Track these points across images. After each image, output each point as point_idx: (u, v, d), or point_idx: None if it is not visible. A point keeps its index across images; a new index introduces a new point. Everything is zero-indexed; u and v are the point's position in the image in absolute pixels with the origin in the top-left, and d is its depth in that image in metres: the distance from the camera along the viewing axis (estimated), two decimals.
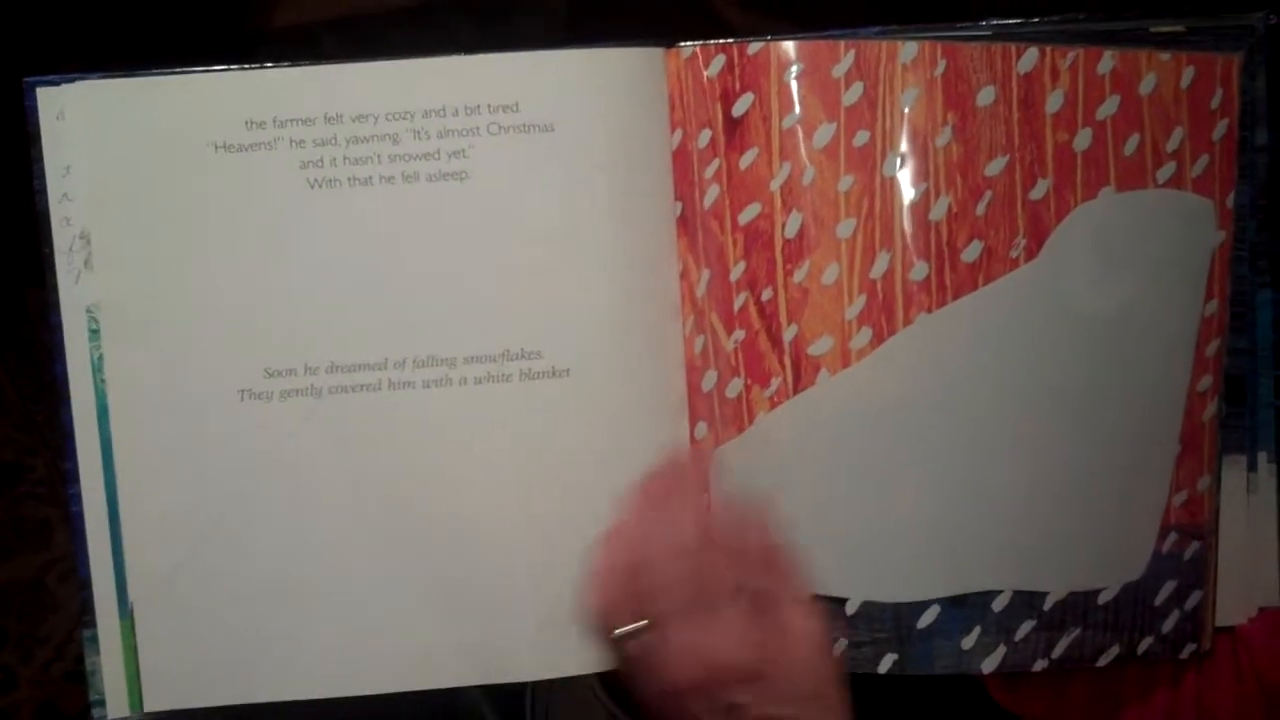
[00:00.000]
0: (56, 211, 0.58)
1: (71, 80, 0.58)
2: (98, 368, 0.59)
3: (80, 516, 0.59)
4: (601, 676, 0.72)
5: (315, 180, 0.59)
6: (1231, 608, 0.62)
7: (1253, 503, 0.62)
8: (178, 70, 0.58)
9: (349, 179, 0.59)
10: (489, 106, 0.58)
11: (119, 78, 0.58)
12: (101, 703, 0.60)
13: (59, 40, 1.34)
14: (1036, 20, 0.58)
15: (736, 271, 0.59)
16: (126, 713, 0.60)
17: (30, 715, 1.22)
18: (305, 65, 0.59)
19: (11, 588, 1.29)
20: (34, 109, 0.58)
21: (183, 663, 0.60)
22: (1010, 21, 0.58)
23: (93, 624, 0.60)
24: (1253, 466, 0.62)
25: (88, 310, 0.59)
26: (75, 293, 0.59)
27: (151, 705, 0.60)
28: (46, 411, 1.35)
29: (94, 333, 0.59)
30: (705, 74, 0.59)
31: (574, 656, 0.61)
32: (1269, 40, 0.59)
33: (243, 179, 0.59)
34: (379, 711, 0.62)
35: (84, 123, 0.58)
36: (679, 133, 0.60)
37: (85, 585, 0.59)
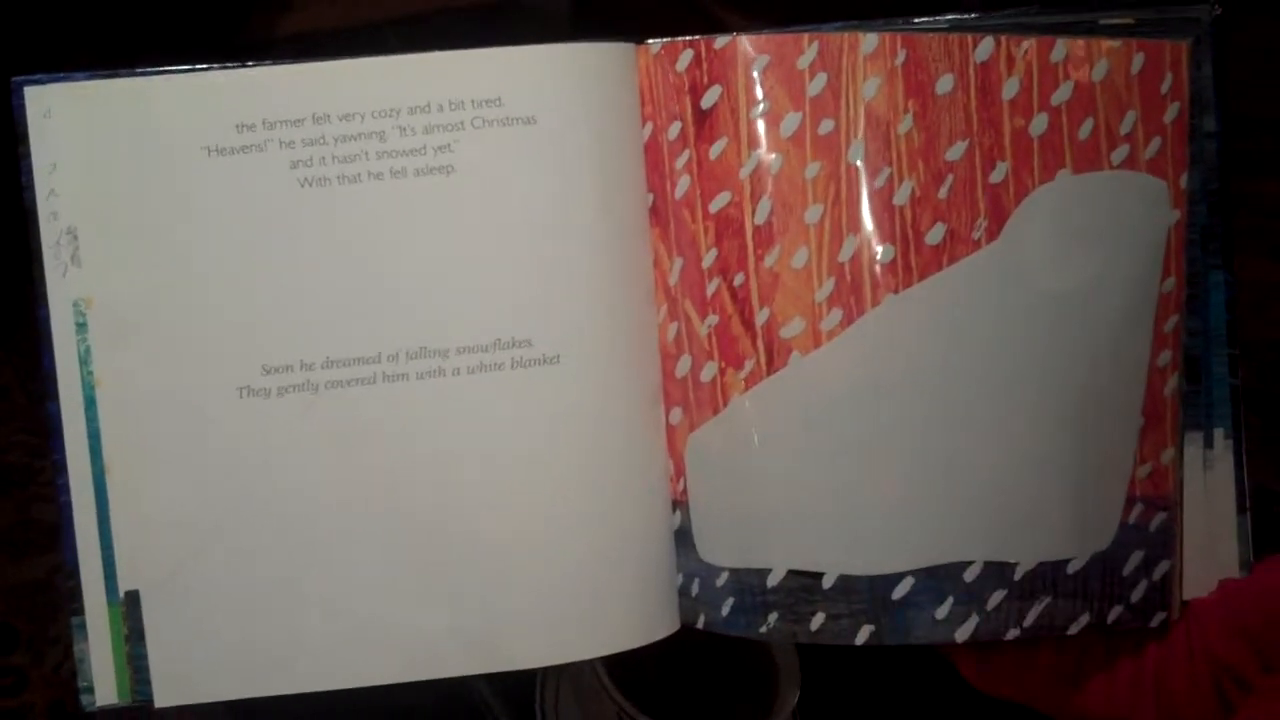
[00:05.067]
0: (44, 207, 0.59)
1: (58, 80, 0.59)
2: (84, 360, 0.60)
3: (68, 505, 0.60)
4: (609, 670, 0.73)
5: (306, 179, 0.60)
6: (1193, 581, 0.64)
7: (1209, 479, 0.64)
8: (164, 71, 0.60)
9: (338, 177, 0.60)
10: (472, 101, 0.60)
11: (105, 78, 0.60)
12: (90, 689, 0.60)
13: (57, 44, 1.35)
14: (992, 14, 0.61)
15: (709, 258, 0.61)
16: (114, 700, 0.60)
17: (42, 715, 1.21)
18: (289, 64, 0.60)
19: (22, 589, 1.28)
20: (21, 107, 0.59)
21: (191, 659, 0.60)
22: (968, 16, 0.61)
23: (80, 612, 0.60)
24: (1209, 444, 0.64)
25: (74, 304, 0.60)
26: (63, 286, 0.60)
27: (162, 701, 0.61)
28: None
29: (80, 326, 0.60)
30: (674, 68, 0.61)
31: (576, 642, 0.61)
32: (1215, 30, 0.61)
33: (235, 181, 0.60)
34: (386, 705, 0.63)
35: (70, 121, 0.59)
36: (649, 126, 0.62)
37: (73, 574, 0.60)
